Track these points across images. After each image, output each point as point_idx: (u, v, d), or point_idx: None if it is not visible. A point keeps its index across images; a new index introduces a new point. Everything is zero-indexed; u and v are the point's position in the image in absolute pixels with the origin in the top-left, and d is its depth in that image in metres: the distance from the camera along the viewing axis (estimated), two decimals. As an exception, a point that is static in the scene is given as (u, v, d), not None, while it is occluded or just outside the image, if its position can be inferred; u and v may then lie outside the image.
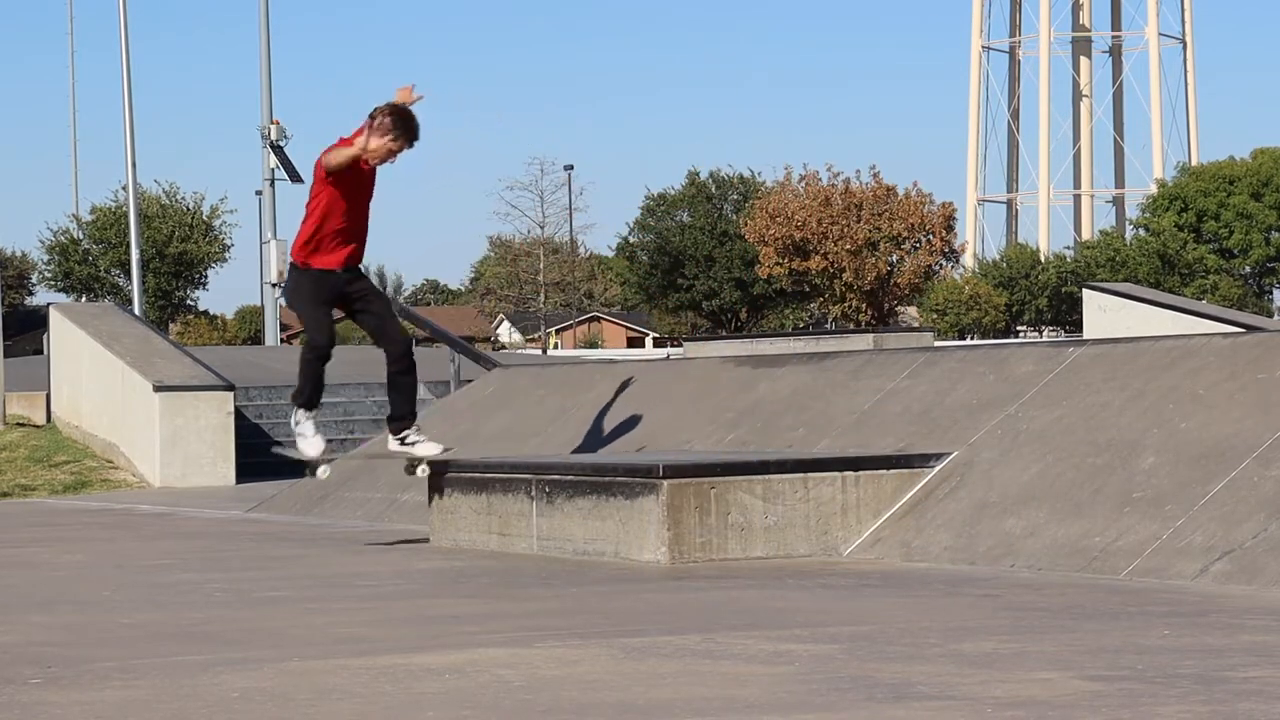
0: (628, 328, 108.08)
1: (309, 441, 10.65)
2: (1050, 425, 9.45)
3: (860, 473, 9.40)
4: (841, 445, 10.33)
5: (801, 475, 9.29)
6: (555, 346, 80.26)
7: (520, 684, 5.41)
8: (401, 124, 9.95)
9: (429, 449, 10.53)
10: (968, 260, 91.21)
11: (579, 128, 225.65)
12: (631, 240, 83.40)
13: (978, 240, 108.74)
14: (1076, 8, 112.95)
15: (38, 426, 21.54)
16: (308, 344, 10.53)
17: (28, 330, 50.64)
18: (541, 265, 75.31)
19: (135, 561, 10.35)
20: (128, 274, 56.27)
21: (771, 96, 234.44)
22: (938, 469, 9.55)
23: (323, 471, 10.81)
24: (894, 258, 71.33)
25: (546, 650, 6.13)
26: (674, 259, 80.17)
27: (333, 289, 10.19)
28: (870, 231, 69.97)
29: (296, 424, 10.71)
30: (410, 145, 10.01)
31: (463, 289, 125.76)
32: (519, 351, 66.67)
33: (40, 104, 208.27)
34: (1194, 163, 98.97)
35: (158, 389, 19.17)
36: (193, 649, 6.37)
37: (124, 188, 44.58)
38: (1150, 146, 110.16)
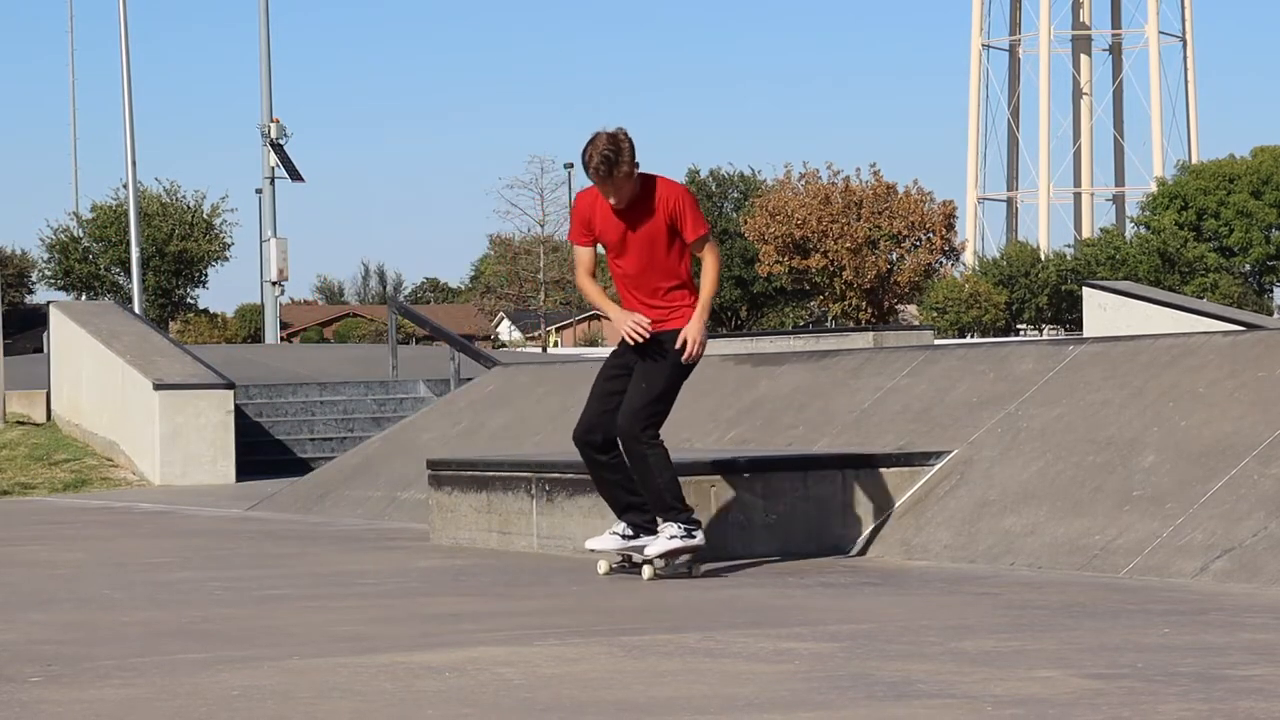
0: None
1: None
2: (1050, 423, 9.45)
3: (860, 471, 9.40)
4: (841, 443, 10.33)
5: (801, 473, 9.29)
6: (555, 344, 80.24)
7: (520, 682, 5.41)
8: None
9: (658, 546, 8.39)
10: (968, 258, 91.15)
11: (579, 126, 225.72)
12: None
13: (978, 238, 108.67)
14: (1076, 6, 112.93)
15: (38, 425, 21.53)
16: (656, 424, 8.53)
17: (28, 328, 50.65)
18: (541, 263, 75.26)
19: (135, 560, 10.35)
20: (128, 272, 56.25)
21: (771, 95, 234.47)
22: (938, 467, 9.55)
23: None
24: (894, 256, 71.35)
25: (546, 648, 6.13)
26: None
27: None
28: (870, 230, 69.97)
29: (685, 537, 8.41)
30: (594, 179, 8.29)
31: (463, 287, 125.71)
32: (519, 350, 66.67)
33: (40, 103, 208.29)
34: (1194, 161, 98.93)
35: (158, 387, 19.16)
36: (193, 647, 6.37)
37: (124, 186, 44.61)
38: (1150, 144, 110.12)
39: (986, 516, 8.94)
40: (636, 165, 8.28)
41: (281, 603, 7.89)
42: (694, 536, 8.35)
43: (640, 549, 8.39)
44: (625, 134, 8.28)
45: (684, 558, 8.41)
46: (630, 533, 8.45)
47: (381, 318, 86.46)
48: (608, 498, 8.59)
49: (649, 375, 8.41)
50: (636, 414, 8.36)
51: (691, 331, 8.37)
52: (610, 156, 8.17)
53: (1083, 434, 9.19)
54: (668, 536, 8.32)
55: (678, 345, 8.37)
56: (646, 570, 8.35)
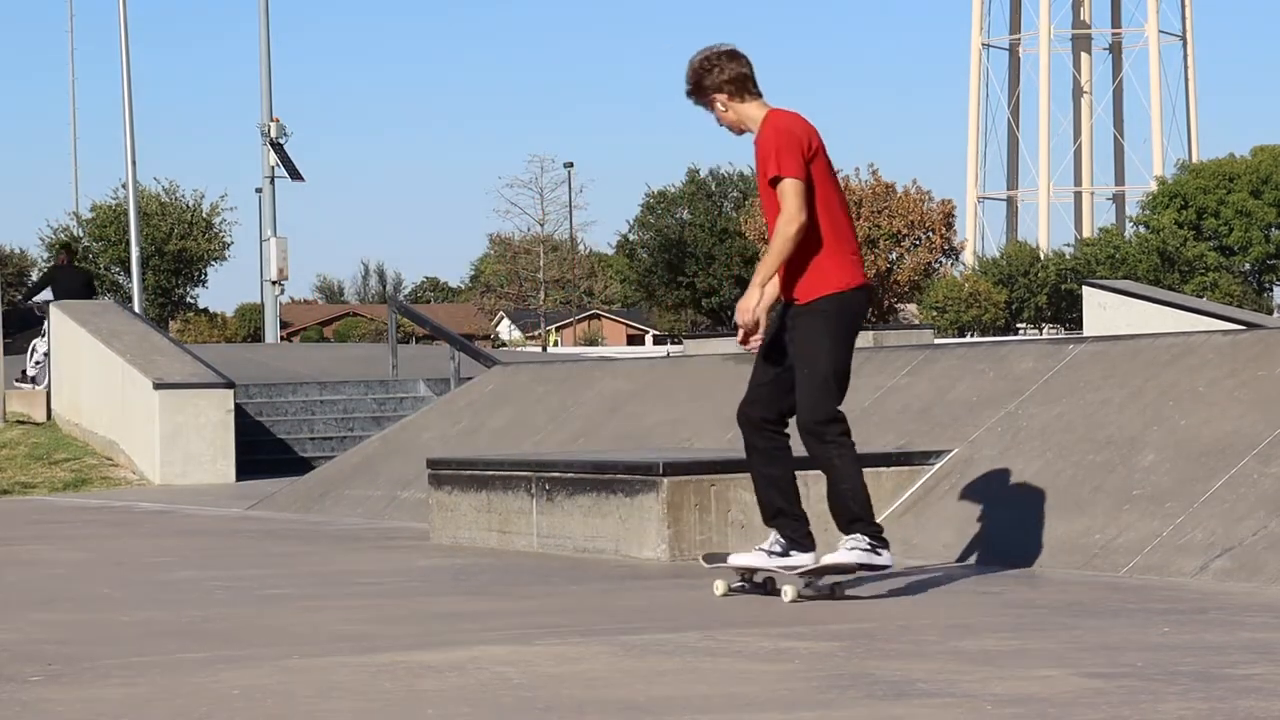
0: (628, 325, 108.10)
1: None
2: (1050, 422, 9.45)
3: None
4: (841, 443, 10.32)
5: (802, 473, 9.27)
6: (555, 344, 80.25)
7: (520, 681, 5.41)
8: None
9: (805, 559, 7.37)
10: (967, 257, 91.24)
11: (579, 125, 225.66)
12: (631, 238, 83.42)
13: (977, 237, 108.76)
14: (1077, 5, 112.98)
15: (38, 424, 21.53)
16: (839, 417, 7.32)
17: (28, 328, 50.62)
18: (541, 263, 75.31)
19: (136, 559, 10.35)
20: (128, 271, 56.24)
21: (772, 94, 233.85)
22: (938, 466, 9.55)
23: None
24: (894, 255, 71.37)
25: (547, 648, 6.13)
26: (677, 246, 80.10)
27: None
28: (870, 229, 69.99)
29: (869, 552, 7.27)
30: (693, 99, 7.32)
31: (463, 286, 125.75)
32: (519, 349, 66.67)
33: (40, 103, 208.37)
34: (1194, 160, 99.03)
35: (158, 386, 19.16)
36: (193, 646, 6.37)
37: (124, 185, 44.59)
38: (1150, 144, 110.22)
39: (987, 516, 8.94)
40: (747, 89, 7.20)
41: (281, 602, 7.89)
42: (879, 555, 7.19)
43: (794, 569, 7.29)
44: (735, 50, 7.22)
45: (829, 578, 7.32)
46: (779, 549, 7.36)
47: (381, 317, 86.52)
48: (758, 495, 7.53)
49: (807, 359, 7.20)
50: (810, 406, 7.19)
51: (742, 303, 7.22)
52: (697, 70, 7.23)
53: (1083, 433, 9.19)
54: (848, 548, 7.19)
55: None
56: (789, 590, 7.22)
